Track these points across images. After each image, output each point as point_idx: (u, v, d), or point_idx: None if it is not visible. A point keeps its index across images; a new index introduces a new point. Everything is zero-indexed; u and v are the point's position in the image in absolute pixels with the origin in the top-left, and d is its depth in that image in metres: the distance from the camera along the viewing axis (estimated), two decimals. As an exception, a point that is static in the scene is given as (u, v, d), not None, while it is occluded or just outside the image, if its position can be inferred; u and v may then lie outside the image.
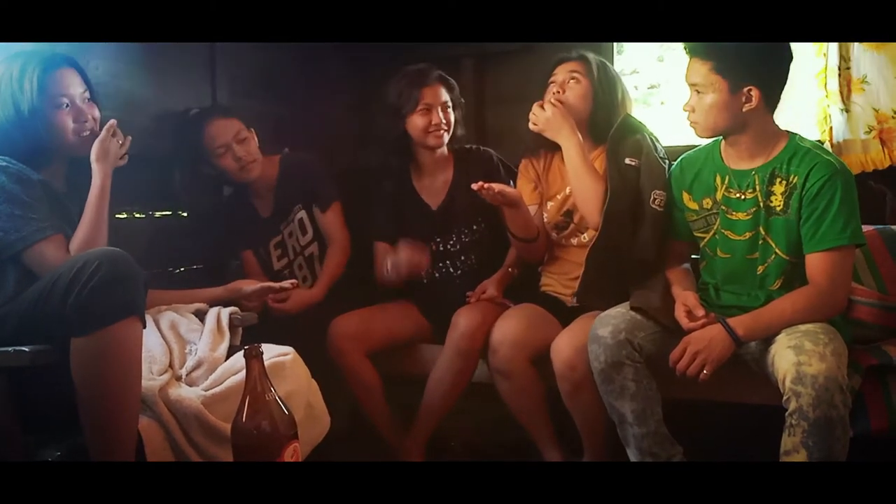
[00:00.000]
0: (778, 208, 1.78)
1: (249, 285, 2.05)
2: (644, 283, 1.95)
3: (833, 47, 2.29)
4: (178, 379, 1.64)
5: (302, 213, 2.43)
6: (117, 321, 1.39)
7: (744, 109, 1.76)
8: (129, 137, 1.73)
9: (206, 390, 1.60)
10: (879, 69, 2.25)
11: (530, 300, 2.20)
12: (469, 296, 2.24)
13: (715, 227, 1.89)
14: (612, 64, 2.37)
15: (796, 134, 1.82)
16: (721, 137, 1.86)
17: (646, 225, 1.96)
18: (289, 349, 1.75)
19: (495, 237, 2.34)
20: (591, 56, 2.15)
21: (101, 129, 1.70)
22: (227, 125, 2.25)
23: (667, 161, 2.04)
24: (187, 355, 1.72)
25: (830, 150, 2.16)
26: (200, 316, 1.88)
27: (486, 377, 2.12)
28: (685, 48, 1.81)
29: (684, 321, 1.80)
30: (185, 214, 2.41)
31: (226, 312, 1.88)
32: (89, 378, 1.40)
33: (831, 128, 2.31)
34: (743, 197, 1.83)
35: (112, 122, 1.70)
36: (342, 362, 2.18)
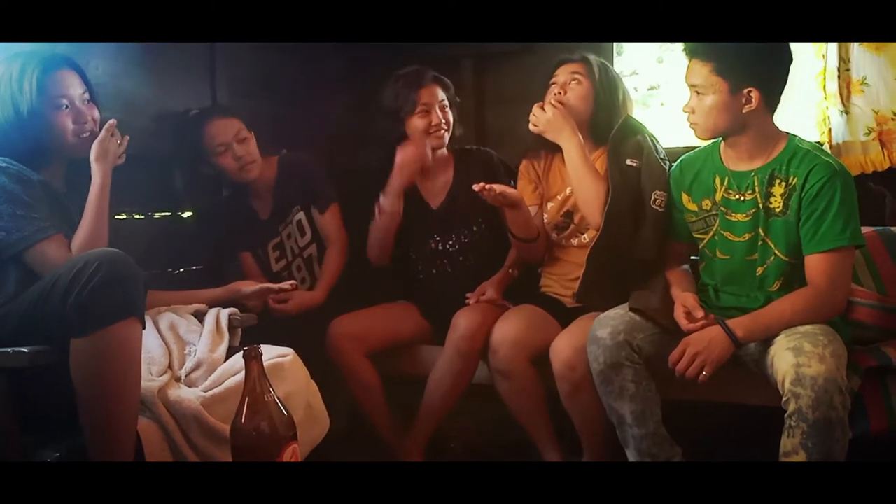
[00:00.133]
0: (777, 209, 1.78)
1: (249, 286, 2.05)
2: (643, 285, 1.95)
3: (832, 49, 2.28)
4: (178, 380, 1.64)
5: (300, 215, 2.42)
6: (117, 322, 1.39)
7: (744, 111, 1.76)
8: (127, 137, 1.73)
9: (205, 391, 1.60)
10: (879, 71, 2.25)
11: (530, 301, 2.20)
12: (469, 297, 2.24)
13: (714, 229, 1.89)
14: (612, 65, 2.37)
15: (796, 135, 1.82)
16: (721, 139, 1.86)
17: (647, 225, 1.97)
18: (288, 350, 1.75)
19: (495, 238, 2.34)
20: (592, 57, 2.16)
21: (100, 130, 1.70)
22: (227, 124, 2.25)
23: (667, 162, 2.04)
24: (186, 356, 1.72)
25: (830, 151, 2.16)
26: (200, 317, 1.88)
27: (486, 378, 2.12)
28: (685, 49, 1.81)
29: (683, 322, 1.80)
30: (187, 215, 2.41)
31: (225, 313, 1.88)
32: (89, 378, 1.40)
33: (831, 129, 2.31)
34: (742, 198, 1.83)
35: (111, 121, 1.70)
36: (342, 362, 2.18)
